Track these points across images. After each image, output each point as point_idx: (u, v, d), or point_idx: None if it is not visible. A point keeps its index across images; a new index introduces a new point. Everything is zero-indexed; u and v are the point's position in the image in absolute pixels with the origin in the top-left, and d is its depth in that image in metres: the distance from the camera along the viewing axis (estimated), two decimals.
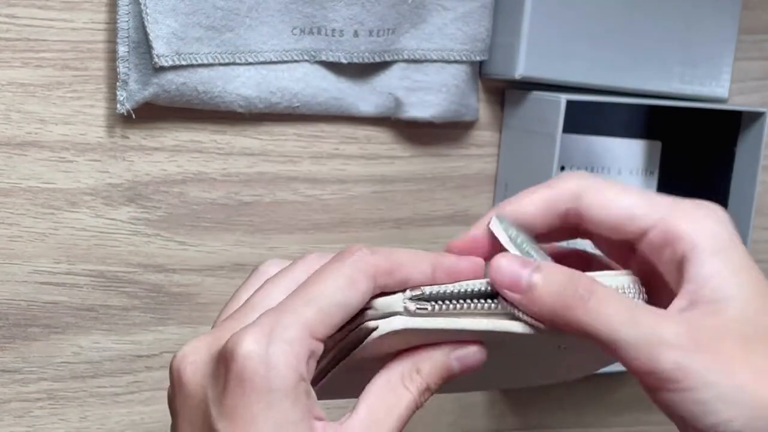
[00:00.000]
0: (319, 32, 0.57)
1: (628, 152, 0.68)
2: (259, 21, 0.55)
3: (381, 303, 0.39)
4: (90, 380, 0.57)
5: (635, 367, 0.37)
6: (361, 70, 0.59)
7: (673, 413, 0.37)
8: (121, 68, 0.53)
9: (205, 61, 0.54)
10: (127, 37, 0.52)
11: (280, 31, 0.56)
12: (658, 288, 0.40)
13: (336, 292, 0.38)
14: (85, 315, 0.56)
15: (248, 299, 0.40)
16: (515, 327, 0.39)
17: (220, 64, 0.55)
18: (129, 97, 0.53)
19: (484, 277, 0.40)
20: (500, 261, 0.39)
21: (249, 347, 0.35)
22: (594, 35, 0.62)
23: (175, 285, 0.58)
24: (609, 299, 0.37)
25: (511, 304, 0.39)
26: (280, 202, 0.60)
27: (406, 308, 0.38)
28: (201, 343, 0.38)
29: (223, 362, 0.36)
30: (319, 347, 0.37)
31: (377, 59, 0.58)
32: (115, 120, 0.55)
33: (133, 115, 0.54)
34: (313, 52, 0.57)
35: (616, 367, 0.69)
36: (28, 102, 0.53)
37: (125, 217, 0.56)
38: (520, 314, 0.39)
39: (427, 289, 0.39)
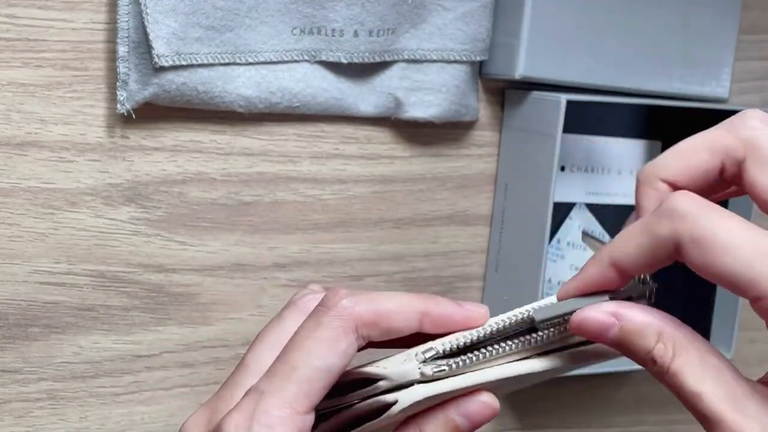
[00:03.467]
0: (319, 32, 0.57)
1: (628, 152, 0.68)
2: (259, 21, 0.55)
3: (394, 372, 0.37)
4: (90, 380, 0.57)
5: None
6: (361, 70, 0.59)
7: None
8: (121, 68, 0.53)
9: (205, 61, 0.54)
10: (127, 37, 0.52)
11: (280, 31, 0.56)
12: None
13: (315, 359, 0.37)
14: (85, 315, 0.56)
15: (242, 360, 0.40)
16: (542, 365, 0.38)
17: (220, 64, 0.55)
18: (129, 97, 0.53)
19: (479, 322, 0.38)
20: (586, 313, 0.37)
21: None
22: (594, 35, 0.62)
23: (175, 285, 0.58)
24: (690, 368, 0.36)
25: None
26: (280, 202, 0.60)
27: (422, 373, 0.36)
28: (201, 418, 0.38)
29: None
30: (307, 419, 0.36)
31: (377, 59, 0.58)
32: (115, 120, 0.55)
33: (133, 115, 0.54)
34: (313, 52, 0.57)
35: (616, 367, 0.69)
36: (28, 102, 0.53)
37: (125, 217, 0.56)
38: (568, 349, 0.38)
39: (440, 347, 0.37)
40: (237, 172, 0.58)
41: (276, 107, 0.57)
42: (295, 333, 0.38)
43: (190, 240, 0.58)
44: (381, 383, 0.37)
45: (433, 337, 0.38)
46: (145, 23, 0.52)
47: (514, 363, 0.38)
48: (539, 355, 0.38)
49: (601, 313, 0.37)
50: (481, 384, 0.37)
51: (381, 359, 0.38)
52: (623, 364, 0.68)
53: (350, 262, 0.62)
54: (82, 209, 0.55)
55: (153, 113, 0.55)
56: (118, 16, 0.52)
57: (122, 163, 0.55)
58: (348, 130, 0.60)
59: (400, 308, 0.38)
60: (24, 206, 0.54)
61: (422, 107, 0.60)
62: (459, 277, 0.66)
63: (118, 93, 0.53)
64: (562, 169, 0.66)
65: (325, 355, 0.37)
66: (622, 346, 0.37)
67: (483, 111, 0.63)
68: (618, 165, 0.68)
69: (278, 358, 0.38)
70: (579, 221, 0.67)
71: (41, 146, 0.53)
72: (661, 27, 0.64)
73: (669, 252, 0.36)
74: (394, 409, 0.37)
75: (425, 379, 0.36)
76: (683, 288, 0.72)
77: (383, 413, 0.37)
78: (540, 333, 0.38)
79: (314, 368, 0.37)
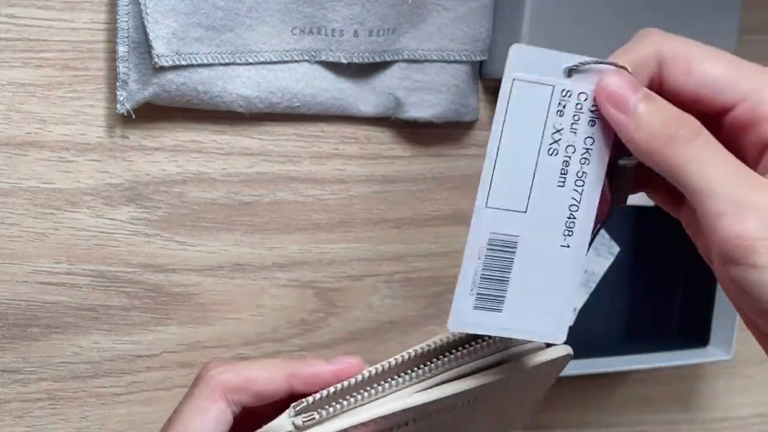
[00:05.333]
0: (319, 32, 0.57)
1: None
2: (259, 21, 0.55)
3: (270, 428, 0.39)
4: (90, 380, 0.57)
5: (713, 224, 0.34)
6: (361, 70, 0.59)
7: (738, 290, 0.35)
8: (121, 68, 0.53)
9: (205, 61, 0.54)
10: (127, 37, 0.52)
11: (280, 31, 0.56)
12: None
13: (187, 429, 0.40)
14: (85, 315, 0.56)
15: None
16: (409, 402, 0.39)
17: (220, 64, 0.55)
18: (129, 97, 0.53)
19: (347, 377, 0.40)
20: (610, 78, 0.36)
21: None
22: (594, 35, 0.62)
23: (175, 285, 0.58)
24: (715, 148, 0.34)
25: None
26: (280, 202, 0.60)
27: (294, 424, 0.39)
28: None
29: None
30: None
31: (377, 59, 0.58)
32: (115, 120, 0.55)
33: (133, 115, 0.54)
34: (313, 52, 0.57)
35: (616, 367, 0.69)
36: (28, 102, 0.53)
37: (125, 217, 0.56)
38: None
39: (310, 398, 0.39)
40: (237, 172, 0.58)
41: (276, 107, 0.57)
42: (176, 408, 0.42)
43: (190, 240, 0.58)
44: None
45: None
46: (145, 23, 0.52)
47: (388, 402, 0.39)
48: (437, 384, 0.40)
49: (622, 78, 0.36)
50: (363, 422, 0.39)
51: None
52: (623, 364, 0.68)
53: (350, 262, 0.62)
54: (82, 209, 0.55)
55: (153, 113, 0.55)
56: (118, 16, 0.52)
57: (122, 163, 0.55)
58: (348, 130, 0.60)
59: (266, 373, 0.41)
60: (24, 206, 0.54)
61: (422, 107, 0.60)
62: None
63: (118, 93, 0.53)
64: None
65: (197, 423, 0.40)
66: (641, 112, 0.36)
67: (483, 111, 0.63)
68: None
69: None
70: None
71: (41, 146, 0.53)
72: (661, 27, 0.64)
73: (651, 71, 0.36)
74: None
75: (299, 429, 0.39)
76: (683, 288, 0.73)
77: None
78: (424, 366, 0.40)
79: None
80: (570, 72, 0.38)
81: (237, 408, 0.42)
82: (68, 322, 0.56)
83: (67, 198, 0.55)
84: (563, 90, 0.37)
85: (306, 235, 0.61)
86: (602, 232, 0.68)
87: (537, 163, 0.38)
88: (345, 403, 0.39)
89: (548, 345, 0.41)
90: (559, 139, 0.38)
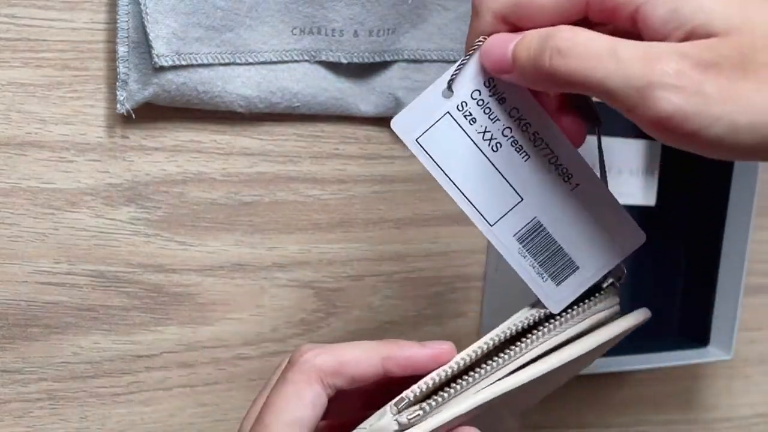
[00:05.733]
0: (319, 32, 0.57)
1: (628, 152, 0.68)
2: (259, 21, 0.55)
3: (373, 428, 0.39)
4: (90, 380, 0.57)
5: (635, 117, 0.35)
6: (361, 70, 0.59)
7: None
8: (121, 68, 0.53)
9: (205, 61, 0.54)
10: (127, 37, 0.52)
11: (280, 31, 0.56)
12: None
13: (285, 414, 0.40)
14: (85, 315, 0.56)
15: (240, 424, 0.43)
16: (509, 383, 0.39)
17: (220, 64, 0.55)
18: (129, 97, 0.53)
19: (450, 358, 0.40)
20: (487, 44, 0.39)
21: None
22: None
23: (175, 285, 0.58)
24: (588, 44, 0.35)
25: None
26: (280, 202, 0.60)
27: (399, 423, 0.39)
28: None
29: None
30: None
31: (377, 59, 0.58)
32: (115, 120, 0.55)
33: (133, 115, 0.54)
34: (313, 52, 0.57)
35: (616, 367, 0.69)
36: (28, 102, 0.53)
37: (125, 217, 0.56)
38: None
39: (410, 394, 0.39)
40: (237, 172, 0.58)
41: (276, 107, 0.57)
42: (270, 393, 0.41)
43: (190, 240, 0.58)
44: None
45: (407, 380, 0.40)
46: (145, 23, 0.52)
47: (486, 388, 0.39)
48: (523, 366, 0.40)
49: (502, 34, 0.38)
50: (465, 413, 0.39)
51: (362, 422, 0.40)
52: (623, 364, 0.68)
53: (350, 262, 0.62)
54: (82, 209, 0.55)
55: (153, 113, 0.55)
56: (118, 16, 0.52)
57: (122, 163, 0.55)
58: (348, 130, 0.60)
59: (362, 356, 0.41)
60: (24, 206, 0.54)
61: None
62: (459, 277, 0.66)
63: (118, 93, 0.53)
64: None
65: (292, 409, 0.40)
66: (518, 50, 0.38)
67: None
68: (618, 165, 0.68)
69: (256, 420, 0.41)
70: None
71: (41, 146, 0.53)
72: None
73: (580, 6, 0.38)
74: None
75: (404, 428, 0.39)
76: (683, 289, 0.73)
77: None
78: (512, 348, 0.41)
79: (285, 423, 0.39)
80: (450, 87, 0.40)
81: (332, 391, 0.41)
82: (68, 322, 0.56)
83: (67, 198, 0.55)
84: (457, 105, 0.40)
85: (306, 235, 0.61)
86: None
87: (494, 164, 0.40)
88: (445, 395, 0.39)
89: (620, 313, 0.44)
90: (491, 135, 0.40)
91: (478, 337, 0.42)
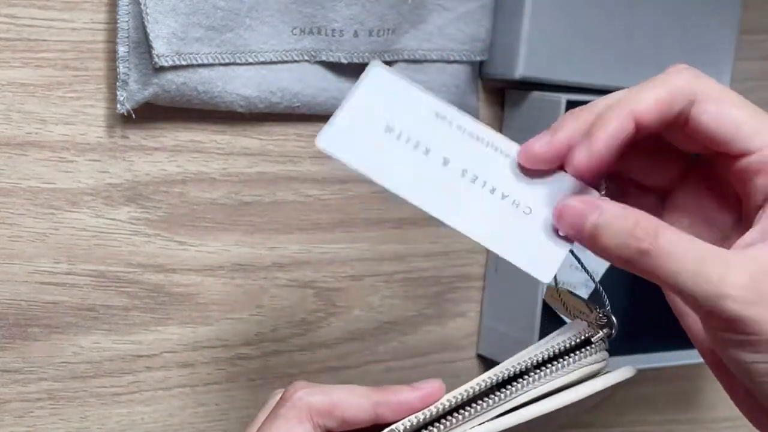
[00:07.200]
0: (319, 32, 0.57)
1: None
2: (259, 21, 0.55)
3: None
4: (90, 380, 0.57)
5: (699, 315, 0.37)
6: (361, 70, 0.58)
7: (734, 364, 0.37)
8: (121, 68, 0.53)
9: (205, 61, 0.54)
10: (127, 37, 0.52)
11: (280, 31, 0.56)
12: (724, 208, 0.40)
13: None
14: (85, 315, 0.56)
15: None
16: (494, 426, 0.39)
17: (220, 64, 0.55)
18: (129, 97, 0.53)
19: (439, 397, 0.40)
20: (563, 207, 0.39)
21: None
22: (594, 35, 0.62)
23: (175, 285, 0.58)
24: (672, 247, 0.36)
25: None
26: (280, 202, 0.60)
27: None
28: None
29: None
30: None
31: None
32: (115, 120, 0.55)
33: (133, 115, 0.54)
34: (313, 52, 0.57)
35: (616, 367, 0.69)
36: (28, 102, 0.53)
37: (125, 217, 0.56)
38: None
39: (401, 426, 0.39)
40: (237, 172, 0.58)
41: (276, 107, 0.57)
42: (261, 427, 0.41)
43: (190, 240, 0.58)
44: None
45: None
46: (145, 23, 0.52)
47: (484, 424, 0.40)
48: (512, 409, 0.40)
49: (580, 201, 0.39)
50: None
51: None
52: (624, 364, 0.68)
53: (350, 262, 0.62)
54: (82, 209, 0.55)
55: (153, 113, 0.55)
56: (118, 16, 0.52)
57: (122, 163, 0.55)
58: None
59: (354, 400, 0.41)
60: (24, 206, 0.54)
61: None
62: (459, 277, 0.66)
63: (118, 93, 0.53)
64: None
65: None
66: (599, 233, 0.38)
67: (483, 111, 0.63)
68: None
69: None
70: None
71: (41, 146, 0.53)
72: (660, 27, 0.64)
73: (683, 105, 0.38)
74: None
75: None
76: None
77: None
78: (503, 390, 0.41)
79: None
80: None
81: (321, 431, 0.42)
82: (68, 322, 0.56)
83: (67, 198, 0.55)
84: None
85: (306, 235, 0.61)
86: None
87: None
88: (435, 430, 0.39)
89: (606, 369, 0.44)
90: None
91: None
